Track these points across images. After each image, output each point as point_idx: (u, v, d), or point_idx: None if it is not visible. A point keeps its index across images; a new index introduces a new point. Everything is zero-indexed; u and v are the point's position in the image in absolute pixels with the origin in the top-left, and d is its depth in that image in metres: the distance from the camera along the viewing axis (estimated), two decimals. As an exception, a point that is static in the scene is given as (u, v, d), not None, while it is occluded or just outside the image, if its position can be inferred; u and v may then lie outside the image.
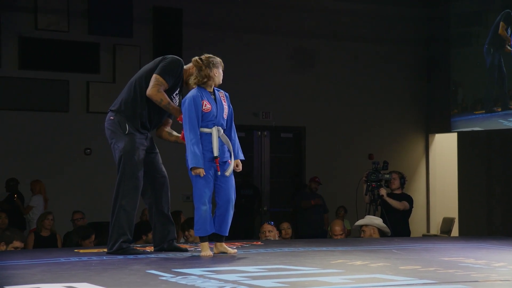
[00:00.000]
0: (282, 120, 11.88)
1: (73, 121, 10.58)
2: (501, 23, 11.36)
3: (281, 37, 11.89)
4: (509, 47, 11.35)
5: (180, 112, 5.13)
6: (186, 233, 7.18)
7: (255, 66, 11.56)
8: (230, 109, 5.35)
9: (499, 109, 11.09)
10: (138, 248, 5.41)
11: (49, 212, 8.76)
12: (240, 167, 5.34)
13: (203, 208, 5.16)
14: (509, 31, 11.30)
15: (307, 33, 12.02)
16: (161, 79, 5.18)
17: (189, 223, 6.87)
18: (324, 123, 12.17)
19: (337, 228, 7.69)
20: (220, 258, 5.11)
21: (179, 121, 5.23)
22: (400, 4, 12.45)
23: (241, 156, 5.36)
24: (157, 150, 5.50)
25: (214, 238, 5.32)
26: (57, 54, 10.62)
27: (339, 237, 7.57)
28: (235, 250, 5.36)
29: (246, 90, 11.12)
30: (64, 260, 4.85)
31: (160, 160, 5.49)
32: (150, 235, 7.31)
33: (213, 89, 5.28)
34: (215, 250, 5.30)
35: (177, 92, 5.37)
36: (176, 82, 5.30)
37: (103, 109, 10.45)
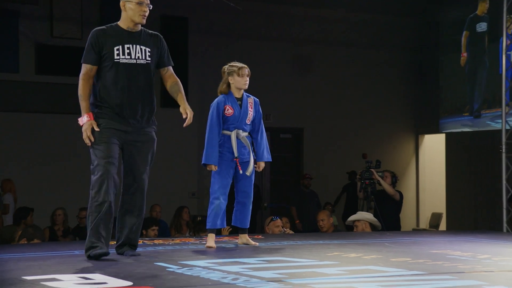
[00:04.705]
0: (282, 122, 11.90)
1: (86, 123, 10.55)
2: (465, 32, 11.36)
3: (281, 44, 11.90)
4: (464, 54, 11.37)
5: (83, 111, 4.49)
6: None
7: (256, 71, 11.39)
8: (258, 114, 5.40)
9: (487, 111, 11.07)
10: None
11: (59, 208, 8.74)
12: (261, 168, 5.43)
13: (216, 203, 5.22)
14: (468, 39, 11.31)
15: (305, 40, 12.03)
16: (82, 66, 4.58)
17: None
18: (321, 125, 12.18)
19: (322, 216, 7.82)
20: (224, 250, 5.13)
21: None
22: (392, 13, 12.45)
23: (267, 158, 5.45)
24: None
25: (238, 230, 5.45)
26: (71, 60, 10.54)
27: (323, 224, 7.68)
28: (257, 243, 5.41)
29: (248, 93, 11.12)
30: (78, 253, 4.86)
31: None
32: (150, 231, 7.29)
33: (243, 95, 5.32)
34: (239, 241, 5.46)
35: (118, 46, 4.51)
36: (102, 47, 4.49)
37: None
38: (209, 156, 5.17)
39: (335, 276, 3.87)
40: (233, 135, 5.25)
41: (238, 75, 5.26)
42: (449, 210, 12.42)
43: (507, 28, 8.44)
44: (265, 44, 11.78)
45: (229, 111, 5.26)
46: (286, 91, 11.92)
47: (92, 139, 4.45)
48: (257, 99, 5.46)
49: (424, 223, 12.88)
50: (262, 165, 5.43)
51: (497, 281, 3.74)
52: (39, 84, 10.48)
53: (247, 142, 5.30)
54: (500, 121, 8.73)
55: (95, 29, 4.60)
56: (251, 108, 5.34)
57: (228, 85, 5.31)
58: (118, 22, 4.62)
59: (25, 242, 6.64)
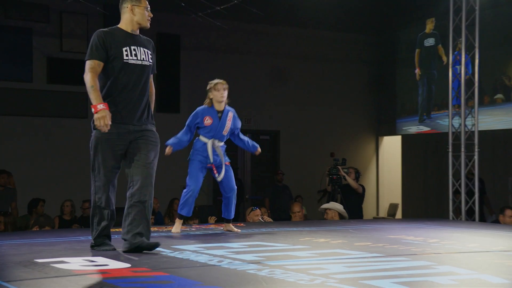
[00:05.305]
0: (261, 125, 11.91)
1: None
2: (417, 50, 11.46)
3: (260, 58, 11.91)
4: (418, 70, 11.46)
5: (97, 101, 3.89)
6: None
7: (239, 81, 11.55)
8: (235, 125, 5.39)
9: (437, 112, 11.18)
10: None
11: (67, 200, 8.68)
12: (259, 152, 5.55)
13: (188, 194, 5.25)
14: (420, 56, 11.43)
15: (281, 55, 12.04)
16: (87, 62, 4.08)
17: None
18: (295, 128, 12.20)
19: (297, 208, 7.84)
20: (211, 236, 5.11)
21: None
22: (357, 32, 12.51)
23: (257, 146, 5.53)
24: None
25: (224, 220, 5.48)
26: (78, 71, 10.44)
27: (297, 214, 7.70)
28: (239, 230, 5.42)
29: (232, 101, 11.08)
30: (83, 238, 4.83)
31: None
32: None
33: (224, 108, 5.30)
34: (224, 228, 5.47)
35: (126, 47, 4.10)
36: (109, 47, 4.07)
37: (116, 116, 10.52)
38: (170, 141, 5.28)
39: (307, 258, 3.88)
40: (209, 143, 5.24)
41: (215, 89, 5.27)
42: (404, 201, 12.50)
43: (453, 46, 8.50)
44: (247, 58, 11.78)
45: (208, 121, 5.25)
46: (264, 98, 11.92)
47: (109, 126, 3.85)
48: (237, 116, 5.44)
49: (383, 212, 12.94)
50: (259, 150, 5.54)
51: (444, 261, 3.76)
52: (50, 92, 10.40)
53: (220, 152, 5.27)
54: (447, 120, 8.79)
55: (100, 30, 4.18)
56: (230, 121, 5.32)
57: (211, 99, 5.31)
58: (119, 25, 4.20)
59: (37, 229, 6.59)
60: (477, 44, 8.21)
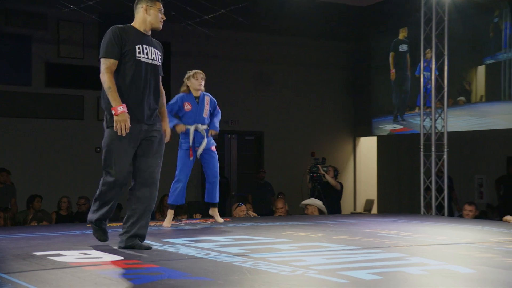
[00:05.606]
0: (246, 126, 11.89)
1: (87, 127, 10.45)
2: (391, 53, 11.61)
3: (245, 64, 11.89)
4: (393, 71, 11.61)
5: (116, 103, 3.71)
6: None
7: (226, 85, 11.54)
8: (213, 106, 5.35)
9: (410, 112, 11.30)
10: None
11: (64, 196, 8.62)
12: (211, 134, 5.33)
13: (176, 185, 5.24)
14: (395, 59, 11.58)
15: (265, 61, 12.04)
16: (103, 60, 3.86)
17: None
18: (278, 129, 12.20)
19: (280, 204, 7.84)
20: (199, 231, 5.09)
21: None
22: (335, 39, 12.54)
23: (216, 128, 5.34)
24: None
25: (209, 205, 5.41)
26: (74, 75, 10.50)
27: (280, 210, 7.70)
28: (222, 220, 5.39)
29: (219, 103, 11.07)
30: (78, 233, 4.79)
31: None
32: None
33: (200, 94, 5.30)
34: (210, 212, 5.38)
35: (139, 45, 3.87)
36: (124, 43, 3.83)
37: (110, 118, 10.47)
38: (171, 121, 5.12)
39: (288, 251, 3.87)
40: (192, 128, 5.23)
41: (194, 77, 5.27)
42: (379, 197, 12.55)
43: (424, 53, 8.56)
44: (233, 63, 11.76)
45: (187, 107, 5.26)
46: (249, 101, 11.91)
47: (128, 129, 3.67)
48: (213, 98, 5.40)
49: (359, 208, 12.98)
50: (212, 132, 5.33)
51: (415, 253, 3.78)
52: (48, 95, 10.32)
53: (204, 134, 5.25)
54: (418, 119, 8.87)
55: (115, 26, 3.88)
56: (207, 104, 5.32)
57: (188, 87, 5.28)
58: (133, 24, 3.95)
59: (35, 224, 6.53)
60: (446, 52, 8.28)
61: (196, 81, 5.25)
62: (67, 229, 5.15)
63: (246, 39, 11.75)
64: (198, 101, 5.28)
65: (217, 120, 5.41)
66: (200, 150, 5.20)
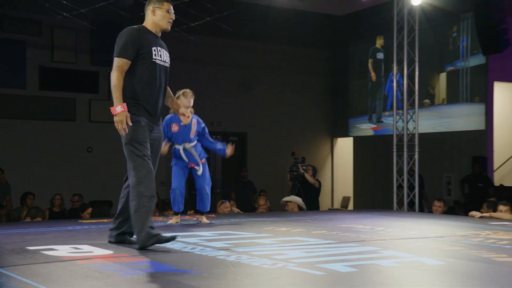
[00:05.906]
0: (230, 127, 11.87)
1: (79, 128, 10.38)
2: (370, 60, 11.79)
3: (230, 69, 11.88)
4: (373, 74, 11.77)
5: (117, 102, 3.57)
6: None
7: (211, 89, 11.53)
8: (200, 128, 5.28)
9: (386, 112, 11.45)
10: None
11: (57, 194, 8.53)
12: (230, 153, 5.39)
13: (173, 194, 5.25)
14: (374, 65, 11.76)
15: (248, 66, 12.04)
16: (116, 59, 3.65)
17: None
18: (261, 130, 12.20)
19: (262, 201, 7.84)
20: (185, 226, 5.07)
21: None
22: (315, 47, 12.59)
23: (224, 148, 5.39)
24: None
25: (199, 212, 5.44)
26: (67, 79, 10.42)
27: (262, 207, 7.70)
28: (209, 221, 5.40)
29: (205, 106, 11.04)
30: (70, 228, 4.74)
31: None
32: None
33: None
34: (199, 219, 5.40)
35: (154, 47, 3.72)
36: (141, 45, 3.66)
37: (101, 119, 10.40)
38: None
39: (270, 245, 3.87)
40: (181, 148, 5.21)
41: (183, 96, 5.19)
42: (355, 194, 12.61)
43: (397, 59, 8.62)
44: (218, 69, 11.74)
45: (174, 128, 5.21)
46: (234, 104, 11.90)
47: (127, 130, 3.50)
48: (201, 121, 5.34)
49: (337, 204, 13.04)
50: (229, 152, 5.38)
51: (388, 246, 3.80)
52: (42, 97, 10.22)
53: (193, 151, 5.22)
54: (391, 119, 8.96)
55: (131, 27, 3.69)
56: (195, 125, 5.28)
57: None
58: (144, 24, 3.76)
59: (29, 220, 6.45)
60: (417, 59, 8.34)
61: (185, 99, 5.18)
62: (59, 225, 5.09)
63: (231, 45, 11.74)
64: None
65: (217, 142, 5.42)
66: (200, 171, 5.20)
